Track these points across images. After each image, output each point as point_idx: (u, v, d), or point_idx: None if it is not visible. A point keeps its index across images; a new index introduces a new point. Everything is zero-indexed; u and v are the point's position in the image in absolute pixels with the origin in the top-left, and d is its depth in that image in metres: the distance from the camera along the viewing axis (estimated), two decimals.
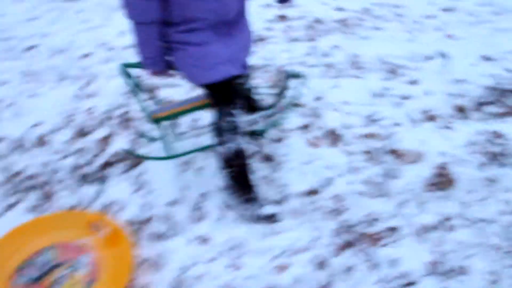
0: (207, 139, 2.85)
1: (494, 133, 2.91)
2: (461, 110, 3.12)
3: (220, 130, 2.31)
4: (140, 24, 2.01)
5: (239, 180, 2.43)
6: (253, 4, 4.72)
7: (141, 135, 3.04)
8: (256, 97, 2.75)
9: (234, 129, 2.29)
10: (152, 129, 3.06)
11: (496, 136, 2.88)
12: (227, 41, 2.13)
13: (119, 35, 4.47)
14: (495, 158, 2.74)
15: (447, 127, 2.99)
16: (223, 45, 2.12)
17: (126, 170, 2.84)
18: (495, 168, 2.68)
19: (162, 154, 2.84)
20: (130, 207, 2.61)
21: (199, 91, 2.89)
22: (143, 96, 2.72)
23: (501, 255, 2.24)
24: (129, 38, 4.12)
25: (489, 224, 2.39)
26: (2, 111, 3.59)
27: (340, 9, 4.54)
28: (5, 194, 2.82)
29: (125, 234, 2.40)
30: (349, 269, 2.23)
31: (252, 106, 2.67)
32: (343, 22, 4.27)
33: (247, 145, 2.38)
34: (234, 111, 2.28)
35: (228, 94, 2.26)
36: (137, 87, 2.58)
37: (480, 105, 3.17)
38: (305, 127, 3.05)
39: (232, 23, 2.12)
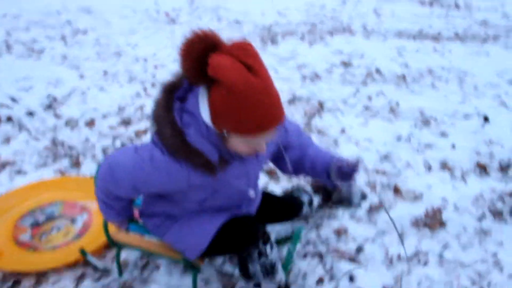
0: None
1: (510, 193, 2.86)
2: (482, 167, 3.10)
3: (252, 275, 1.92)
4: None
5: None
6: (321, 48, 5.00)
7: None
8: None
9: (271, 269, 1.92)
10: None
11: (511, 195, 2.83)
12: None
13: None
14: (499, 215, 2.70)
15: (461, 179, 2.98)
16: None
17: None
18: (495, 223, 2.64)
19: None
20: None
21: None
22: None
23: None
24: None
25: (465, 268, 2.37)
26: (74, 96, 4.12)
27: (405, 65, 4.66)
28: (44, 155, 3.25)
29: None
30: (304, 275, 2.32)
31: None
32: (401, 77, 4.38)
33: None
34: (265, 247, 1.90)
35: (247, 231, 1.89)
36: None
37: (506, 167, 3.12)
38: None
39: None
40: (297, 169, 2.05)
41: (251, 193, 1.91)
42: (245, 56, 1.41)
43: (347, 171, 1.91)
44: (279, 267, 1.89)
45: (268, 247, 1.86)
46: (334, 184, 1.99)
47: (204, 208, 1.87)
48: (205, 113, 1.52)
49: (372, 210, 2.71)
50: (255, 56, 1.44)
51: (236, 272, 2.31)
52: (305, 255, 2.43)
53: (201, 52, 1.40)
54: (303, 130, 2.16)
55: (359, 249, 2.46)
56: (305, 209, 2.52)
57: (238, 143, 1.55)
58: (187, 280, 2.30)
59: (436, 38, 5.57)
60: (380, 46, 5.16)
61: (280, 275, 1.89)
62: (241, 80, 1.39)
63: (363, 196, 2.72)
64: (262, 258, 1.86)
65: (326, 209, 2.69)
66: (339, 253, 2.44)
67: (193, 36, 1.41)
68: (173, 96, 1.58)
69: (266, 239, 1.87)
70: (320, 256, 2.43)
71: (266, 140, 1.57)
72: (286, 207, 2.39)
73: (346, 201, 2.69)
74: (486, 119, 3.62)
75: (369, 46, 5.13)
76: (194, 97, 1.55)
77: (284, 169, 2.08)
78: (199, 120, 1.53)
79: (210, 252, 1.95)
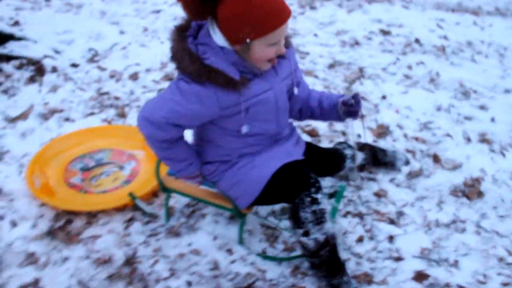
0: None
1: None
2: None
3: (303, 222, 1.94)
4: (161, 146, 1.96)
5: (330, 265, 2.04)
6: (359, 16, 4.98)
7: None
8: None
9: (321, 217, 1.94)
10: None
11: None
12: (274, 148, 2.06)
13: None
14: None
15: (500, 153, 3.01)
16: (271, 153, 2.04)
17: None
18: None
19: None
20: None
21: None
22: None
23: (501, 264, 2.27)
24: None
25: (501, 238, 2.42)
26: (115, 51, 4.19)
27: (444, 37, 4.63)
28: (91, 105, 3.35)
29: None
30: (345, 233, 2.39)
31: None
32: (441, 48, 4.36)
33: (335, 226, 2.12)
34: (317, 195, 1.93)
35: (299, 179, 1.95)
36: None
37: None
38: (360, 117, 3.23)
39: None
40: (302, 112, 2.20)
41: (284, 116, 2.01)
42: None
43: (352, 104, 2.04)
44: (327, 216, 1.95)
45: (320, 195, 1.93)
46: (342, 120, 2.15)
47: (248, 143, 1.98)
48: (218, 38, 1.73)
49: (411, 175, 2.76)
50: None
51: (280, 224, 2.40)
52: (345, 214, 2.51)
53: None
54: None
55: (399, 213, 2.52)
56: (348, 163, 2.55)
57: (260, 48, 1.71)
58: (232, 230, 2.40)
59: (476, 12, 5.49)
60: (419, 17, 5.10)
61: (329, 225, 1.95)
62: None
63: (406, 162, 2.77)
64: (314, 205, 1.90)
65: (369, 169, 2.74)
66: (379, 215, 2.51)
67: None
68: (185, 35, 1.77)
69: (318, 187, 1.94)
70: (361, 216, 2.50)
71: (283, 36, 1.72)
72: (330, 158, 2.45)
73: (389, 164, 2.74)
74: None
75: (408, 16, 5.08)
76: (203, 30, 1.76)
77: (292, 110, 2.18)
78: (213, 46, 1.73)
79: (262, 200, 2.04)
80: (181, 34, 1.78)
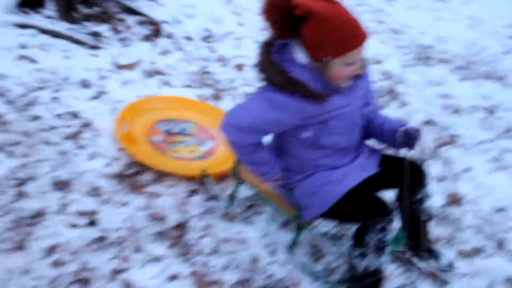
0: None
1: None
2: None
3: (365, 244, 2.02)
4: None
5: None
6: (471, 88, 4.90)
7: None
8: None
9: (382, 248, 2.02)
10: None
11: None
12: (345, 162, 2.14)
13: None
14: None
15: None
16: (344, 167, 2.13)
17: None
18: None
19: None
20: None
21: None
22: None
23: None
24: None
25: None
26: (229, 39, 4.37)
27: None
28: (192, 78, 3.54)
29: None
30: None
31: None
32: None
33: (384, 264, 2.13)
34: (388, 226, 2.01)
35: (376, 206, 2.04)
36: None
37: None
38: (440, 179, 3.21)
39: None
40: (367, 128, 2.25)
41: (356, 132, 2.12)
42: None
43: (411, 133, 2.07)
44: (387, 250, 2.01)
45: (389, 226, 2.00)
46: (396, 148, 2.16)
47: (321, 154, 2.06)
48: (300, 56, 1.89)
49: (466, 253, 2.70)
50: None
51: (326, 246, 2.43)
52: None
53: (281, 10, 1.80)
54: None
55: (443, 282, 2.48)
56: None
57: (338, 67, 1.85)
58: (283, 235, 2.46)
59: None
60: None
61: (383, 260, 2.02)
62: (326, 8, 1.76)
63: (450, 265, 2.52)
64: (382, 233, 1.98)
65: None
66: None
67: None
68: (271, 50, 1.92)
69: (391, 220, 2.00)
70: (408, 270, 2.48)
71: (360, 57, 1.86)
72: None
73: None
74: None
75: None
76: (287, 48, 1.92)
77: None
78: (296, 62, 1.89)
79: (330, 214, 2.11)
80: (267, 49, 1.93)
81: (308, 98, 1.87)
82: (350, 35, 1.81)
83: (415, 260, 2.48)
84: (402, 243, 2.42)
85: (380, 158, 2.29)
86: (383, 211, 2.01)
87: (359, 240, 2.03)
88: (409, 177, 2.18)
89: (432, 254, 2.47)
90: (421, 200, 2.32)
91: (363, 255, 2.01)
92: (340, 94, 1.96)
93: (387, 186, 2.35)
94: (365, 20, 6.00)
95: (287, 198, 2.22)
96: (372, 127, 2.27)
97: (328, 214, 2.12)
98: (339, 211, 2.08)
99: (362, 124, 2.22)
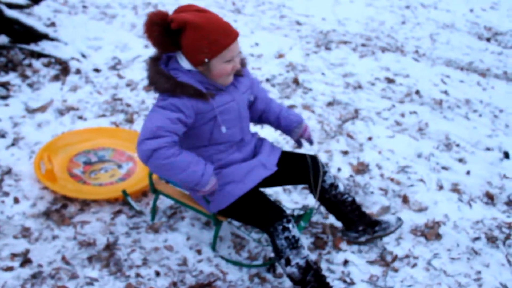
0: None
1: (510, 224, 3.09)
2: (490, 197, 3.34)
3: (280, 251, 2.22)
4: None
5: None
6: (370, 62, 5.28)
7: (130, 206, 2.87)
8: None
9: (296, 242, 2.22)
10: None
11: (510, 227, 3.07)
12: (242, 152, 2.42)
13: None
14: (494, 241, 2.95)
15: (467, 203, 3.24)
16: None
17: None
18: (486, 246, 2.90)
19: None
20: None
21: None
22: None
23: None
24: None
25: (447, 277, 2.66)
26: (137, 63, 4.55)
27: (444, 92, 4.90)
28: (104, 107, 3.71)
29: None
30: None
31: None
32: (438, 102, 4.62)
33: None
34: (288, 225, 2.24)
35: (274, 212, 2.27)
36: None
37: None
38: (345, 153, 3.52)
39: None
40: (262, 119, 2.63)
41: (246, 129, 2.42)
42: (190, 6, 2.12)
43: (305, 139, 2.62)
44: (303, 243, 2.25)
45: (290, 225, 2.23)
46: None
47: (218, 149, 2.33)
48: (184, 64, 2.16)
49: (379, 210, 3.02)
50: (197, 5, 2.13)
51: (251, 235, 2.68)
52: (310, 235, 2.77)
53: (160, 27, 2.07)
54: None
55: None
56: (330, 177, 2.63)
57: (219, 65, 2.13)
58: (205, 234, 2.69)
59: (483, 73, 5.75)
60: (427, 71, 5.38)
61: (307, 252, 2.25)
62: (199, 17, 2.06)
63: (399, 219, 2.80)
64: (286, 232, 2.21)
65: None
66: (339, 241, 2.76)
67: (150, 17, 2.07)
68: (158, 63, 2.18)
69: (289, 220, 2.25)
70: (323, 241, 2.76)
71: (236, 53, 2.15)
72: (304, 165, 2.57)
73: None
74: (506, 155, 3.84)
75: (416, 68, 5.36)
76: (172, 59, 2.21)
77: (252, 117, 2.60)
78: (182, 69, 2.16)
79: (236, 215, 2.37)
80: (155, 62, 2.19)
81: (197, 97, 2.14)
82: (223, 35, 2.08)
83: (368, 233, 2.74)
84: (310, 219, 2.69)
85: (279, 155, 2.55)
86: (280, 216, 2.24)
87: (276, 250, 2.24)
88: (313, 171, 2.53)
89: (379, 223, 2.74)
90: (332, 186, 2.62)
91: (287, 262, 2.21)
92: (225, 91, 2.26)
93: (290, 182, 2.63)
94: (268, 17, 6.33)
95: (196, 196, 2.44)
96: (268, 120, 2.62)
97: (232, 215, 2.38)
98: (240, 213, 2.34)
99: (252, 116, 2.56)
